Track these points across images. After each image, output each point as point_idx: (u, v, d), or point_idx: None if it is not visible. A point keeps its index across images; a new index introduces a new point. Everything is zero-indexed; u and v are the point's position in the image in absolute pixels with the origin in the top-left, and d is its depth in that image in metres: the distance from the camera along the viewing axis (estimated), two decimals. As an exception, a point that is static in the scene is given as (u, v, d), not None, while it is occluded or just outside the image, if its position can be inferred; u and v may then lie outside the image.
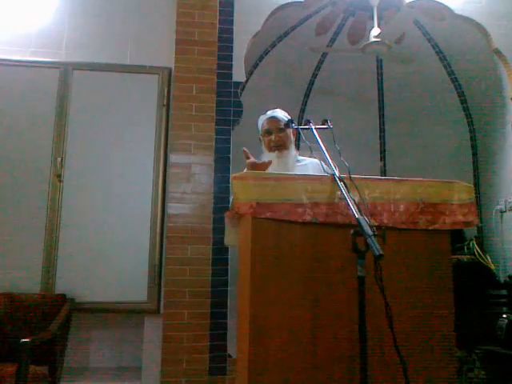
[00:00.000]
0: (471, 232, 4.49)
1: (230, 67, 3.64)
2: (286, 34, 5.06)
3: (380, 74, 5.60)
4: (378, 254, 1.25)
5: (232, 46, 3.67)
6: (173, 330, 3.19)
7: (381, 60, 5.47)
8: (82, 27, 3.62)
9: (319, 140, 1.75)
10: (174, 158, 3.45)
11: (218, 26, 3.65)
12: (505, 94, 4.23)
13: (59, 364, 2.86)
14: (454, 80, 5.16)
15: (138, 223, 3.37)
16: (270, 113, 2.30)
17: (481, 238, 4.64)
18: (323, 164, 1.85)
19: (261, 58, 5.08)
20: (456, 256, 4.16)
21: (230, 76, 3.63)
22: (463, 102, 5.17)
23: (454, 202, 1.62)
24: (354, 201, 1.44)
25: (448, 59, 5.11)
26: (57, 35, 3.58)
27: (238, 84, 3.69)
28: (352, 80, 5.48)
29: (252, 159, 2.06)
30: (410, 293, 1.53)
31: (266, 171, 2.01)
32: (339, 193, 1.50)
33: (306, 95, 5.59)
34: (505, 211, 4.33)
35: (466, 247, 4.40)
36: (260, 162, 2.07)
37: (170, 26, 3.61)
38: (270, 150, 2.24)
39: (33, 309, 2.99)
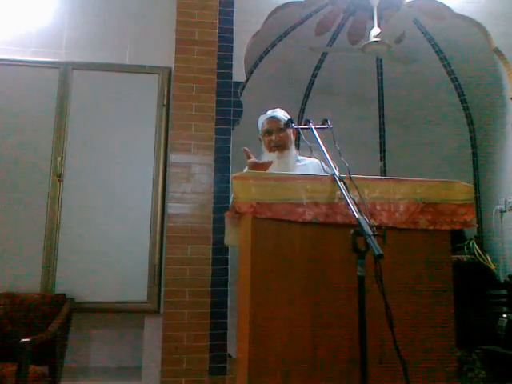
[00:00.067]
0: (471, 232, 4.49)
1: (230, 67, 3.64)
2: (285, 34, 5.07)
3: (380, 74, 5.61)
4: (377, 253, 1.25)
5: (232, 46, 3.68)
6: (173, 330, 3.19)
7: (381, 60, 5.47)
8: (81, 27, 3.63)
9: (319, 140, 1.75)
10: (173, 157, 3.45)
11: (217, 25, 3.65)
12: (505, 93, 4.23)
13: (59, 364, 2.86)
14: (454, 80, 5.16)
15: (138, 223, 3.37)
16: (270, 113, 2.30)
17: (481, 238, 4.64)
18: (323, 164, 1.85)
19: (261, 58, 5.09)
20: (456, 256, 4.16)
21: (229, 76, 3.64)
22: (463, 101, 5.17)
23: (453, 202, 1.62)
24: (354, 201, 1.44)
25: (448, 59, 5.11)
26: (57, 35, 3.59)
27: (237, 84, 3.69)
28: (352, 80, 5.48)
29: (253, 159, 2.06)
30: (409, 293, 1.53)
31: (267, 171, 2.00)
32: (339, 193, 1.50)
33: (306, 95, 5.59)
34: (505, 211, 4.34)
35: (465, 247, 4.41)
36: (261, 161, 2.07)
37: (169, 25, 3.62)
38: (271, 150, 2.23)
39: (33, 309, 2.99)
